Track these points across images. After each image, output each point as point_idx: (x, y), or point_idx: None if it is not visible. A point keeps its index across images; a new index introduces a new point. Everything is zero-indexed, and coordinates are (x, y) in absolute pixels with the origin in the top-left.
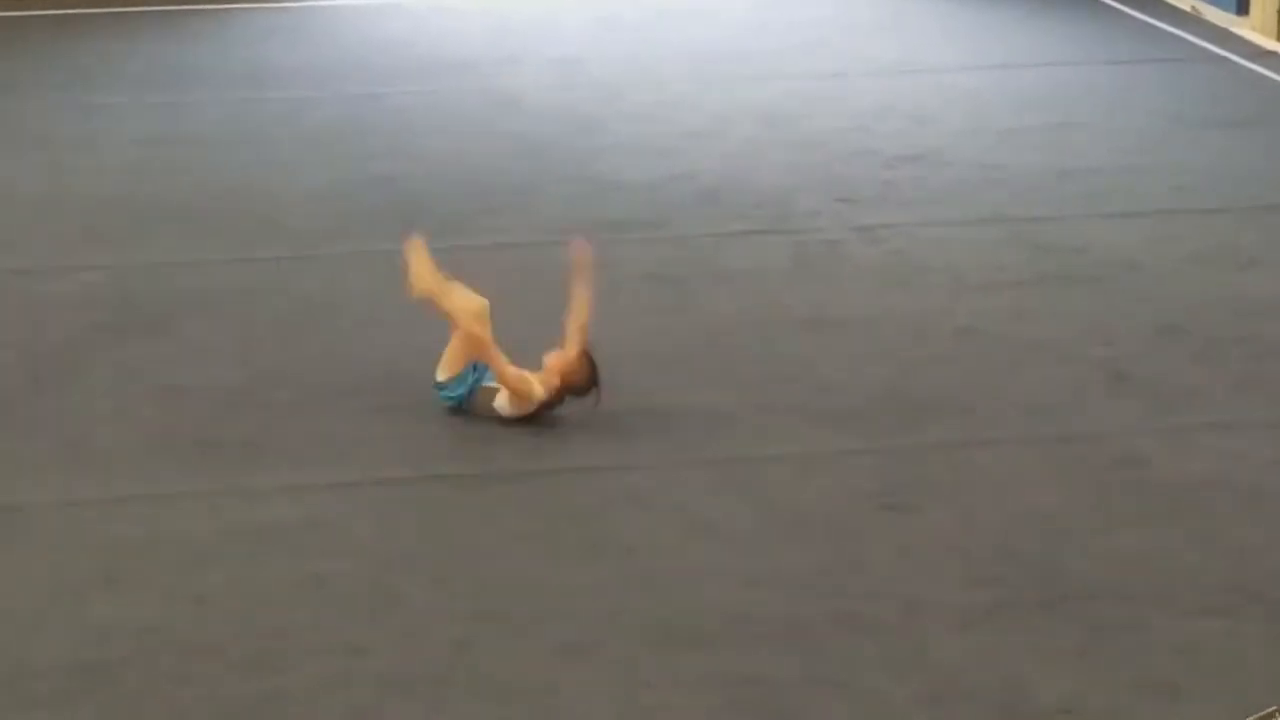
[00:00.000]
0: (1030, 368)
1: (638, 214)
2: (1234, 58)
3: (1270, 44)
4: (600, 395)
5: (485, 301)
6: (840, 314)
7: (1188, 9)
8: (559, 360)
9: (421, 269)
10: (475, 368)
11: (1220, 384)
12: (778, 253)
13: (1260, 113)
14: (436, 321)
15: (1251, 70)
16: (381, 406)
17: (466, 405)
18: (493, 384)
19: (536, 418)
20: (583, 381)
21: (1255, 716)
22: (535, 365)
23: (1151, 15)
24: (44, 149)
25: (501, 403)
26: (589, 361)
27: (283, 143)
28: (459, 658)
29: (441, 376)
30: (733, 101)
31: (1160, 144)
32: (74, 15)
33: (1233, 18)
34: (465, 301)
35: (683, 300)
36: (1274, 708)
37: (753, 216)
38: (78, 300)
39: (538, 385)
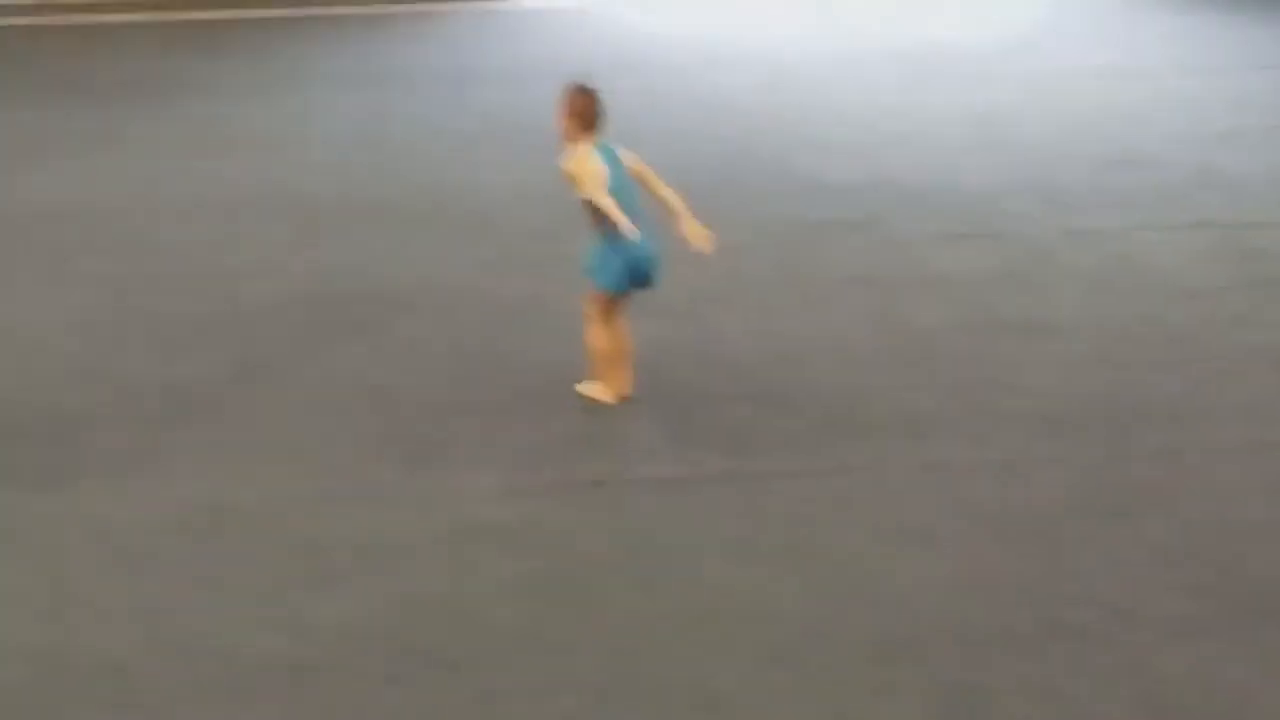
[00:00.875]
0: (1245, 374)
1: (844, 215)
2: None
3: None
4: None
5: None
6: (1050, 319)
7: None
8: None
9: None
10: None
11: None
12: (986, 257)
13: None
14: (643, 322)
15: None
16: (588, 407)
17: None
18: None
19: None
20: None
21: None
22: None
23: None
24: (252, 150)
25: None
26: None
27: (487, 143)
28: (666, 663)
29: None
30: (941, 104)
31: None
32: (278, 18)
33: None
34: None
35: (889, 304)
36: None
37: (961, 220)
38: (287, 299)
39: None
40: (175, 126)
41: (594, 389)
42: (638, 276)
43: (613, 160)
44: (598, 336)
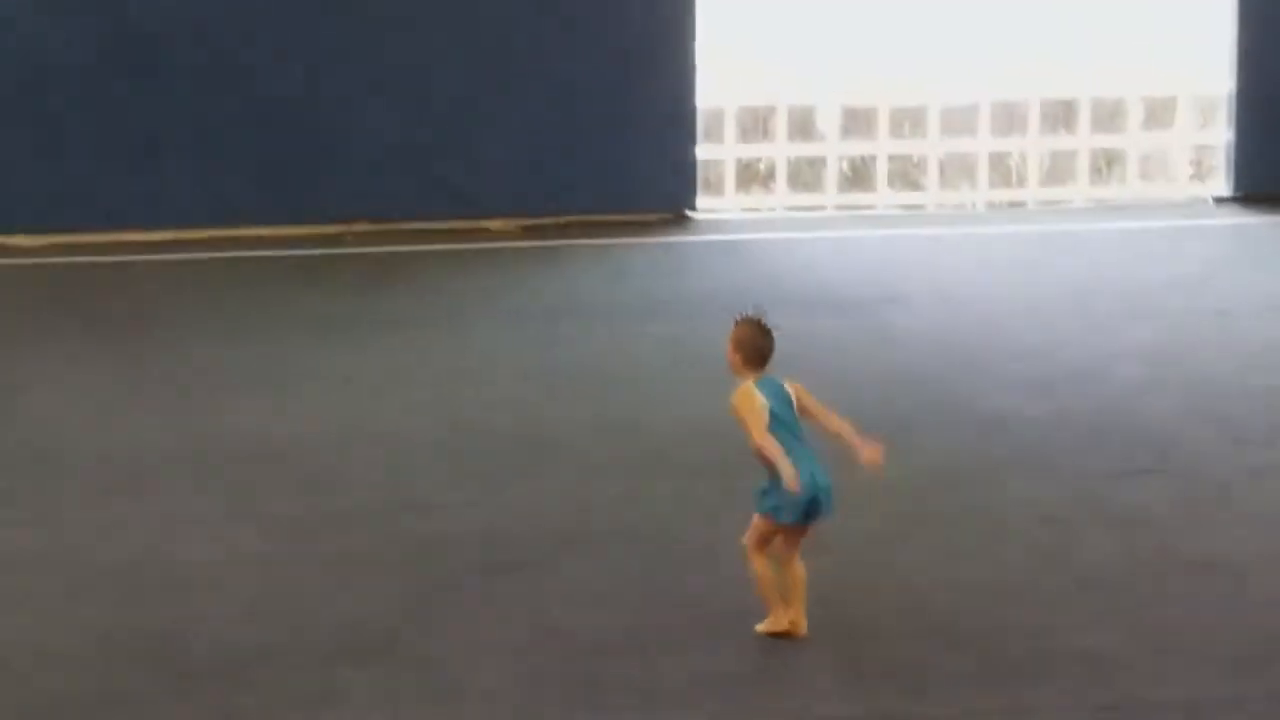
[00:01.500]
0: None
1: (1022, 454)
2: None
3: None
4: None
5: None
6: (1231, 558)
7: None
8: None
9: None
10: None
11: None
12: (1165, 492)
13: None
14: (816, 558)
15: None
16: (761, 644)
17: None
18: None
19: None
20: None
21: None
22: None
23: None
24: (430, 384)
25: None
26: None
27: (663, 376)
28: None
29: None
30: (1115, 339)
31: None
32: (451, 251)
33: None
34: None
35: (1068, 542)
36: None
37: (1138, 457)
38: (461, 536)
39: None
40: (366, 360)
41: (770, 624)
42: (810, 508)
43: (777, 394)
44: (762, 568)
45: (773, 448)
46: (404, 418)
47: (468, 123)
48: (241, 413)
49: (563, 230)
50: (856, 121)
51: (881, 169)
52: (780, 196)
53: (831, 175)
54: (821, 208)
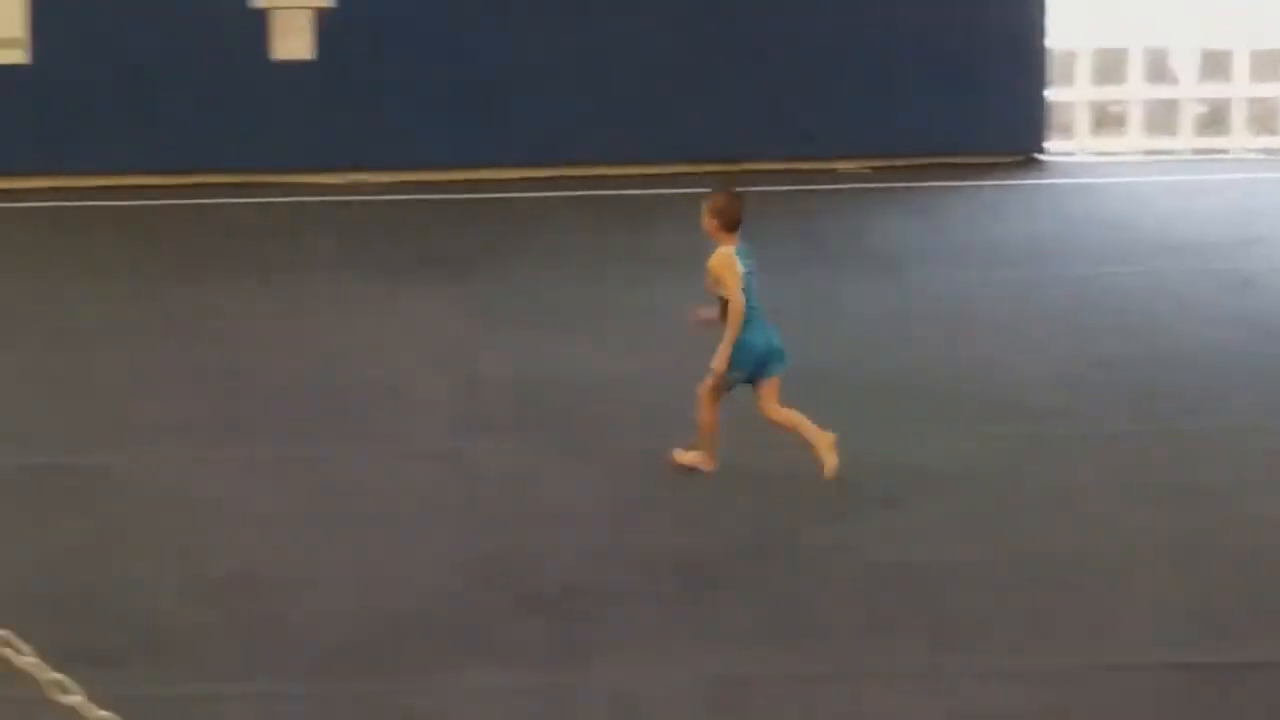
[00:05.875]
0: None
1: None
2: None
3: None
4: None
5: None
6: None
7: None
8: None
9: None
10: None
11: None
12: None
13: None
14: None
15: None
16: (1110, 590)
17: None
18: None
19: None
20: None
21: None
22: None
23: None
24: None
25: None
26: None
27: (1009, 321)
28: None
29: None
30: None
31: None
32: (799, 191)
33: None
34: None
35: None
36: None
37: None
38: (807, 472)
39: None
40: None
41: (693, 458)
42: (759, 367)
43: (749, 263)
44: (708, 415)
45: (739, 315)
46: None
47: (816, 65)
48: (586, 349)
49: (912, 172)
50: (1214, 64)
51: (1239, 113)
52: (1133, 140)
53: (1186, 119)
54: (1176, 151)
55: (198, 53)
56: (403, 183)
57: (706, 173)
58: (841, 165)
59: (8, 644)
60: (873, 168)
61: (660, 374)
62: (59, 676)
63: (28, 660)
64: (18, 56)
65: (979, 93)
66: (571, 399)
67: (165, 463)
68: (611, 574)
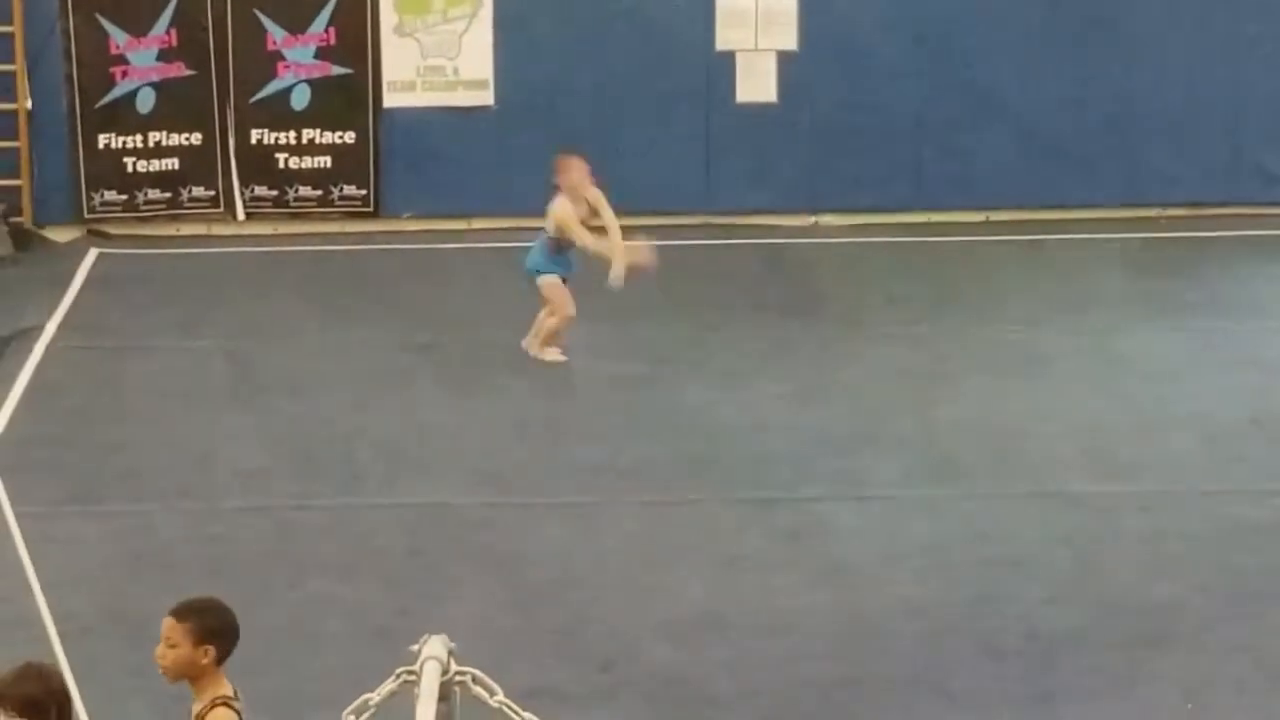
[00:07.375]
0: None
1: None
2: None
3: None
4: None
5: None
6: None
7: None
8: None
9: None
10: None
11: None
12: None
13: None
14: None
15: None
16: None
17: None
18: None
19: None
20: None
21: None
22: None
23: None
24: (1234, 371)
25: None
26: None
27: None
28: None
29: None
30: None
31: None
32: (1261, 237)
33: None
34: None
35: None
36: None
37: None
38: (1273, 524)
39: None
40: (1172, 343)
41: (554, 354)
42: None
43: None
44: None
45: (590, 240)
46: (1211, 403)
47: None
48: (1042, 393)
49: None
50: None
51: None
52: None
53: None
54: None
55: (662, 93)
56: (858, 226)
57: (1174, 216)
58: None
59: (480, 683)
60: None
61: (1129, 420)
62: (532, 718)
63: (499, 699)
64: (484, 98)
65: None
66: (1030, 441)
67: (627, 504)
68: (1074, 619)
